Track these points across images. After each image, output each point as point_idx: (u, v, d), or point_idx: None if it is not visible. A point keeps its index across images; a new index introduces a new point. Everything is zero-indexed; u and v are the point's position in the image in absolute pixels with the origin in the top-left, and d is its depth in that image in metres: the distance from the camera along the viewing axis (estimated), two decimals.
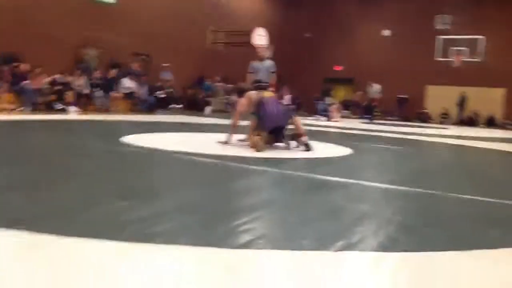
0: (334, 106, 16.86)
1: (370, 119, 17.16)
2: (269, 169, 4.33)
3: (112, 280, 1.57)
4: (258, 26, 18.70)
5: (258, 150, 5.47)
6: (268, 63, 7.51)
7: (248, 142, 5.95)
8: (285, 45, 23.14)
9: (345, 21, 22.43)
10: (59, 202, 2.64)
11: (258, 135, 5.73)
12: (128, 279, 1.58)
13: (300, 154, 5.52)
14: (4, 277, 1.53)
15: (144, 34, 15.17)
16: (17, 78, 11.41)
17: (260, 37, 18.56)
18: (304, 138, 5.91)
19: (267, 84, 6.47)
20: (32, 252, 1.81)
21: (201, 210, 2.67)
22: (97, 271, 1.63)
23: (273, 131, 5.89)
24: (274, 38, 20.28)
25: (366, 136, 9.96)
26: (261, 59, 8.11)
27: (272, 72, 8.09)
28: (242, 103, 6.51)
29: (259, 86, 6.33)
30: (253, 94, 6.28)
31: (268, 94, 6.21)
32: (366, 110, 17.60)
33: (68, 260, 1.73)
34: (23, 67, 11.58)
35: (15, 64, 11.64)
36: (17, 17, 12.17)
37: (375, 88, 17.38)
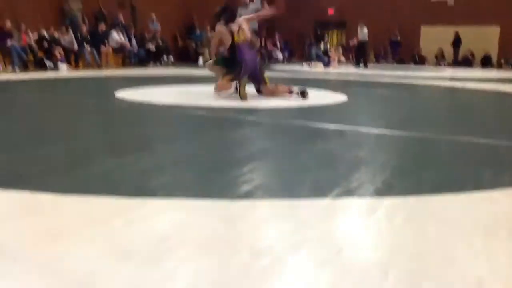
0: (334, 53, 16.58)
1: (365, 64, 16.92)
2: (263, 119, 4.33)
3: (112, 235, 1.59)
4: None
5: (245, 99, 5.39)
6: (252, 7, 7.35)
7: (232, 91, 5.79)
8: None
9: None
10: (55, 160, 2.65)
11: (232, 80, 5.60)
12: (128, 233, 1.61)
13: (295, 102, 5.49)
14: (4, 235, 1.56)
15: None
16: (1, 36, 11.13)
17: None
18: (295, 89, 5.77)
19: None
20: (31, 210, 1.83)
21: (198, 163, 2.69)
22: (96, 227, 1.65)
23: (250, 78, 5.69)
24: None
25: (361, 82, 9.89)
26: (245, 3, 7.95)
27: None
28: (214, 42, 6.11)
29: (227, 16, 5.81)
30: (223, 30, 5.79)
31: (242, 36, 5.70)
32: (358, 54, 17.16)
33: (67, 218, 1.76)
34: (8, 24, 11.27)
35: None
36: None
37: (365, 30, 16.88)
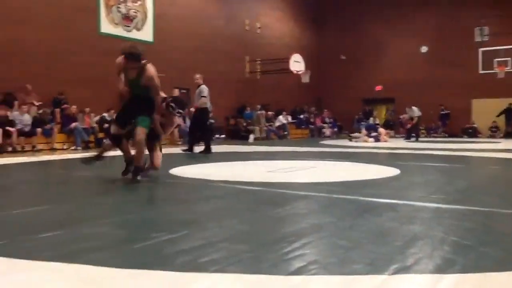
0: (382, 130, 16.74)
1: (416, 138, 16.91)
2: (315, 193, 4.31)
3: None
4: (293, 53, 18.94)
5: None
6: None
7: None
8: (322, 68, 23.24)
9: (380, 39, 22.33)
10: (111, 236, 2.73)
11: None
12: None
13: (350, 176, 5.46)
14: None
15: (181, 70, 15.41)
16: (67, 119, 12.01)
17: (296, 63, 18.77)
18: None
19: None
20: (90, 285, 1.87)
21: (251, 238, 2.69)
22: None
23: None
24: (310, 63, 20.47)
25: (413, 155, 9.74)
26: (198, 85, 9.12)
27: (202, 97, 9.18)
28: None
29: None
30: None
31: None
32: (409, 131, 17.40)
33: None
34: (72, 108, 12.19)
35: (65, 106, 12.28)
36: (60, 61, 12.75)
37: (414, 110, 17.44)
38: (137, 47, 5.00)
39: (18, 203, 4.11)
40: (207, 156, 9.10)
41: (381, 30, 22.29)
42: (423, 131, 19.82)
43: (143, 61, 4.97)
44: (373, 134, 16.15)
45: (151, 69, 5.01)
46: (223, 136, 16.22)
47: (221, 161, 7.98)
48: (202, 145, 9.88)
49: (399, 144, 14.26)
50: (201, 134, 9.96)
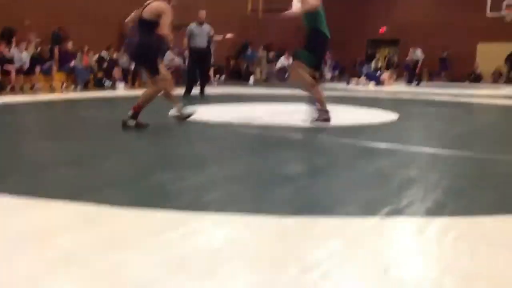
0: (387, 73, 16.51)
1: (418, 82, 16.76)
2: (314, 137, 4.36)
3: (167, 247, 1.68)
4: None
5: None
6: (206, 27, 7.90)
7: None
8: (326, 7, 22.63)
9: None
10: (114, 175, 2.80)
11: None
12: (182, 246, 1.69)
13: (348, 120, 5.49)
14: (73, 246, 1.68)
15: (181, 6, 15.02)
16: (65, 57, 11.83)
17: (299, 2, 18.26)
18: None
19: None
20: (93, 222, 1.95)
21: (249, 180, 2.76)
22: (152, 239, 1.75)
23: None
24: None
25: (413, 100, 9.72)
26: (200, 22, 8.42)
27: (211, 36, 8.56)
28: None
29: None
30: None
31: None
32: (411, 72, 17.11)
33: (125, 229, 1.87)
34: (70, 45, 11.96)
35: (63, 43, 12.06)
36: None
37: (418, 53, 16.91)
38: None
39: (23, 142, 4.17)
40: (204, 98, 9.02)
41: None
42: (425, 76, 19.57)
43: None
44: (373, 77, 15.98)
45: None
46: (223, 76, 16.06)
47: (221, 104, 7.99)
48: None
49: (401, 88, 14.18)
50: (200, 76, 9.68)
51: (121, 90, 11.48)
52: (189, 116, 5.16)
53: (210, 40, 9.22)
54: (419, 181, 2.70)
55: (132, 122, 4.63)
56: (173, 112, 5.19)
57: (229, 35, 9.34)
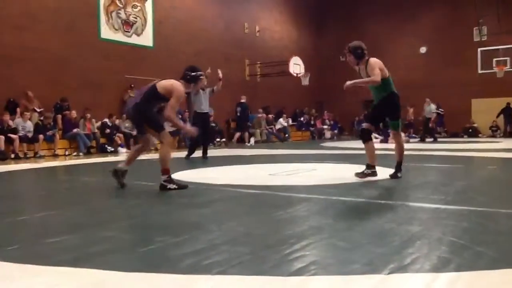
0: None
1: (435, 139, 16.62)
2: (315, 195, 4.38)
3: None
4: (293, 55, 19.00)
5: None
6: (208, 90, 8.44)
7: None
8: (322, 70, 23.30)
9: (379, 41, 22.34)
10: (118, 241, 2.80)
11: None
12: None
13: (347, 178, 5.52)
14: None
15: (180, 74, 15.46)
16: (68, 124, 12.08)
17: (296, 65, 18.84)
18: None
19: None
20: (99, 287, 1.94)
21: (252, 241, 2.76)
22: None
23: None
24: (309, 65, 20.55)
25: (413, 155, 9.80)
26: (203, 88, 8.98)
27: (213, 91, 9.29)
28: None
29: None
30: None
31: None
32: (425, 130, 16.96)
33: None
34: (74, 114, 12.27)
35: (66, 112, 12.37)
36: (61, 67, 12.90)
37: (432, 107, 16.60)
38: None
39: (26, 209, 4.18)
40: (206, 160, 9.13)
41: (380, 32, 22.34)
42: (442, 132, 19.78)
43: None
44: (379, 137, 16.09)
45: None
46: (223, 139, 16.29)
47: (222, 165, 8.05)
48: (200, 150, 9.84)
49: (406, 145, 14.25)
50: (203, 138, 9.86)
51: (123, 155, 11.60)
52: (120, 183, 5.09)
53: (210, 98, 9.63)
54: (422, 237, 2.70)
55: (173, 186, 4.84)
56: (120, 166, 5.17)
57: (220, 74, 9.51)
